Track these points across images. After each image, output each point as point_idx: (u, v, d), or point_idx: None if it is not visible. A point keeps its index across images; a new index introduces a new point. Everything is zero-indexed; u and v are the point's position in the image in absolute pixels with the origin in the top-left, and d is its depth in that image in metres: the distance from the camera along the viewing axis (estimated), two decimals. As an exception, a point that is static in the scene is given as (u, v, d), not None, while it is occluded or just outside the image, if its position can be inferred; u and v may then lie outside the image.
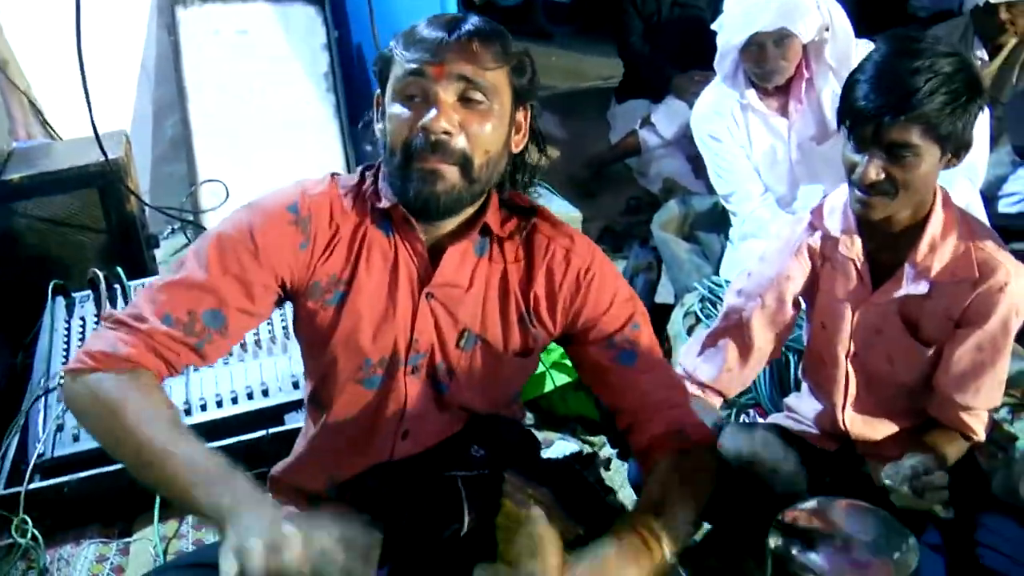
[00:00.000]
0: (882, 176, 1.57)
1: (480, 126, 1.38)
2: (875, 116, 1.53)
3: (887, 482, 1.56)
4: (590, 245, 1.55)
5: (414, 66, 1.36)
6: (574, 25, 6.84)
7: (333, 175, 1.53)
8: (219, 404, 2.29)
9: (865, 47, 2.63)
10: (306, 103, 3.87)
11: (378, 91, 1.47)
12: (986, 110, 2.14)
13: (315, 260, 1.46)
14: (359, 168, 1.54)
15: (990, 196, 3.13)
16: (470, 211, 1.48)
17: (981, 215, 2.51)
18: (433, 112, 1.35)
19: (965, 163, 2.49)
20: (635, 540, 1.30)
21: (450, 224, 1.47)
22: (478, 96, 1.37)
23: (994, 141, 2.86)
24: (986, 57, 3.51)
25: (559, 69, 5.92)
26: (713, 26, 2.84)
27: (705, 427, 1.56)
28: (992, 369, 1.70)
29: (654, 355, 1.55)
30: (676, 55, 4.11)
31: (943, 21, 3.87)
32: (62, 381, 1.53)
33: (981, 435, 1.76)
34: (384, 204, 1.46)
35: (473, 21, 1.40)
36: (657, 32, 4.23)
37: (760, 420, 2.26)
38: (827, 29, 2.71)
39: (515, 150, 1.49)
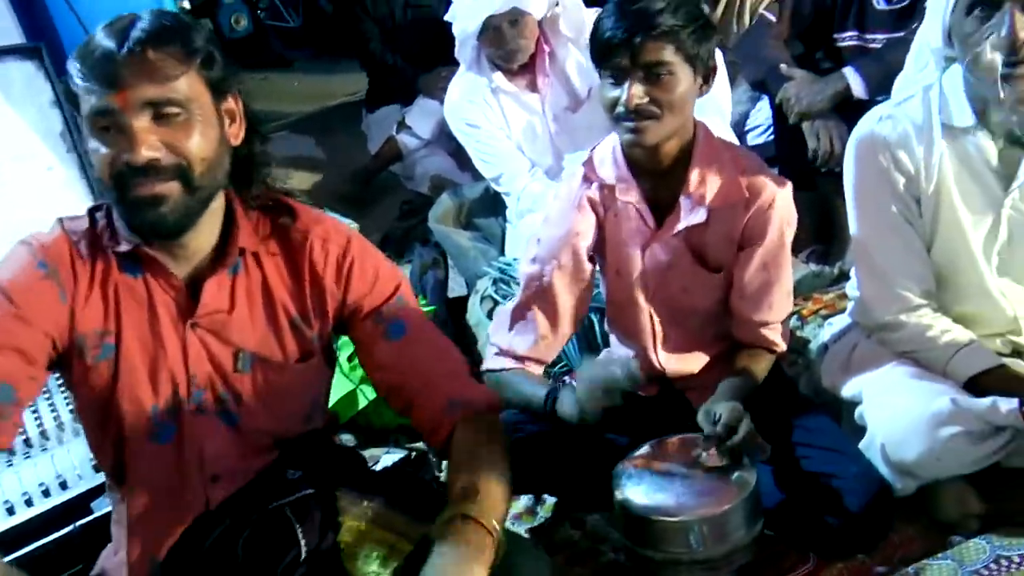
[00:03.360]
0: (645, 99, 1.63)
1: (186, 139, 1.29)
2: (628, 40, 1.60)
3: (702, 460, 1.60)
4: (345, 228, 1.52)
5: (95, 101, 1.26)
6: (311, 49, 6.75)
7: (61, 220, 1.41)
8: (10, 512, 2.04)
9: (595, 14, 2.72)
10: (47, 170, 3.53)
11: None
12: (720, 52, 2.28)
13: (76, 312, 1.36)
14: (87, 209, 1.43)
15: (739, 132, 3.34)
16: (214, 231, 1.40)
17: (739, 147, 2.65)
18: (129, 144, 1.25)
19: (713, 102, 2.67)
20: (465, 532, 1.27)
21: (200, 253, 1.40)
22: (174, 110, 1.28)
23: (732, 82, 3.05)
24: (707, 9, 3.72)
25: (304, 93, 5.83)
26: (447, 17, 2.87)
27: (487, 391, 1.57)
28: (779, 282, 1.81)
29: (424, 327, 1.54)
30: (418, 55, 4.11)
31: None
32: None
33: (782, 345, 1.86)
34: (125, 247, 1.37)
35: (142, 26, 1.28)
36: (394, 36, 4.22)
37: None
38: (557, 3, 2.80)
39: (235, 143, 1.39)
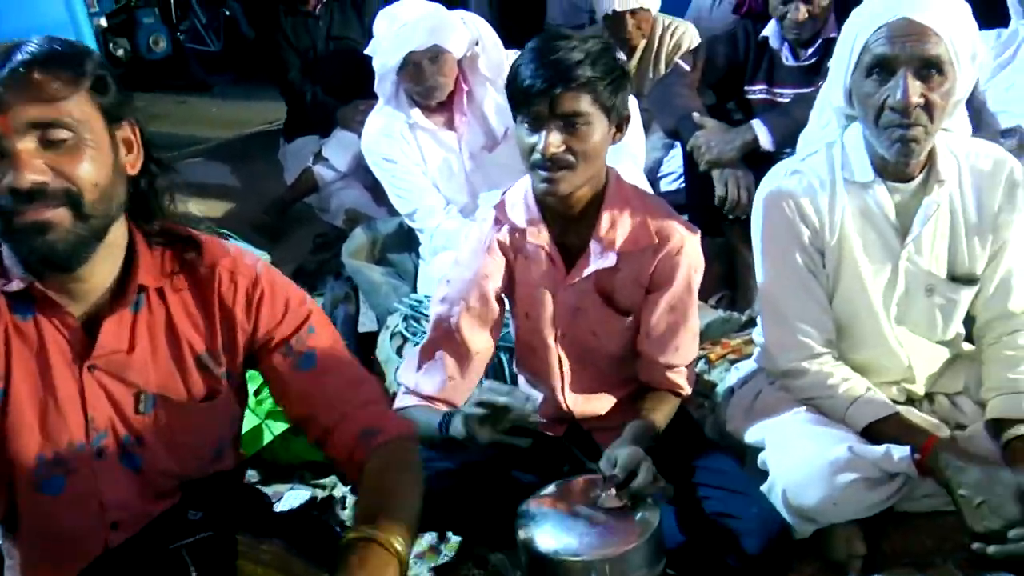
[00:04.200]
0: (562, 148, 1.65)
1: (76, 163, 1.23)
2: (547, 90, 1.62)
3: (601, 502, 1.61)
4: (253, 259, 1.48)
5: None
6: (231, 74, 6.68)
7: None
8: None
9: (514, 56, 2.76)
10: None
11: None
12: (635, 100, 2.32)
13: None
14: None
15: (652, 179, 3.41)
16: (115, 267, 1.34)
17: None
18: (13, 168, 1.19)
19: (628, 149, 2.72)
20: (368, 555, 1.24)
21: (99, 290, 1.34)
22: (62, 134, 1.22)
23: (647, 129, 3.12)
24: (624, 58, 3.80)
25: (222, 119, 5.76)
26: (367, 51, 2.87)
27: (402, 419, 1.55)
28: (685, 326, 1.84)
29: (337, 356, 1.50)
30: (338, 87, 4.10)
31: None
32: None
33: (688, 389, 1.90)
34: (16, 286, 1.30)
35: (29, 48, 1.22)
36: (315, 67, 4.21)
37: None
38: (477, 43, 2.83)
39: (132, 172, 1.34)
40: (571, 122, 1.64)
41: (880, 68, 1.67)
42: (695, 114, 2.87)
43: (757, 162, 2.61)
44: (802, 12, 2.78)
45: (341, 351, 1.52)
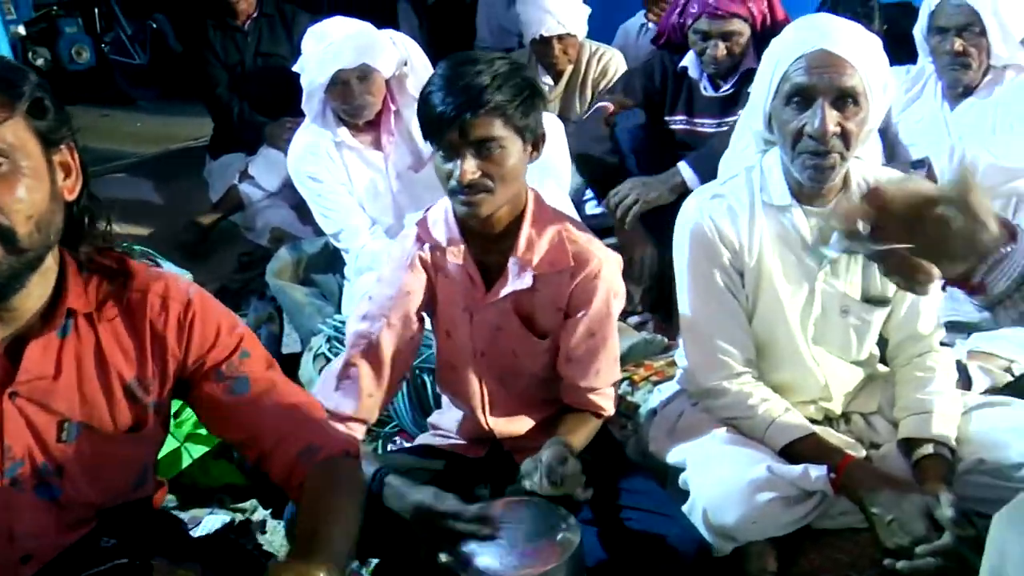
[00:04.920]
0: (478, 174, 1.65)
1: (9, 193, 1.17)
2: (457, 117, 1.61)
3: (525, 483, 1.63)
4: (185, 284, 1.44)
5: None
6: (157, 88, 6.56)
7: None
8: None
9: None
10: None
11: None
12: (559, 122, 2.34)
13: None
14: None
15: (577, 201, 3.43)
16: (45, 292, 1.30)
17: (573, 216, 2.71)
18: None
19: (553, 170, 2.74)
20: None
21: (26, 315, 1.29)
22: None
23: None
24: (552, 82, 3.85)
25: (147, 134, 5.66)
26: (295, 68, 2.85)
27: (345, 436, 1.53)
28: (605, 350, 1.85)
29: (271, 378, 1.47)
30: (265, 104, 4.06)
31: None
32: None
33: (610, 410, 1.90)
34: None
35: None
36: (242, 83, 4.16)
37: (406, 444, 2.26)
38: (406, 63, 2.83)
39: (70, 198, 1.29)
40: (485, 147, 1.64)
41: (799, 97, 1.73)
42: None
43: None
44: (720, 50, 2.85)
45: (276, 374, 1.49)
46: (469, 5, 5.76)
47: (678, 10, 2.97)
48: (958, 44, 2.59)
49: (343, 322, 2.66)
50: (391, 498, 1.65)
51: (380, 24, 2.91)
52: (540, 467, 1.62)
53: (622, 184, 2.88)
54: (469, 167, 1.64)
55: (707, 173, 2.73)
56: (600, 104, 3.10)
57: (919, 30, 2.76)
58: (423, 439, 2.04)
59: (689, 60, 2.96)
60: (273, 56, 4.17)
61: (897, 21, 3.30)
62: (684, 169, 2.82)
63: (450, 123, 1.62)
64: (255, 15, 4.20)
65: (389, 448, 2.38)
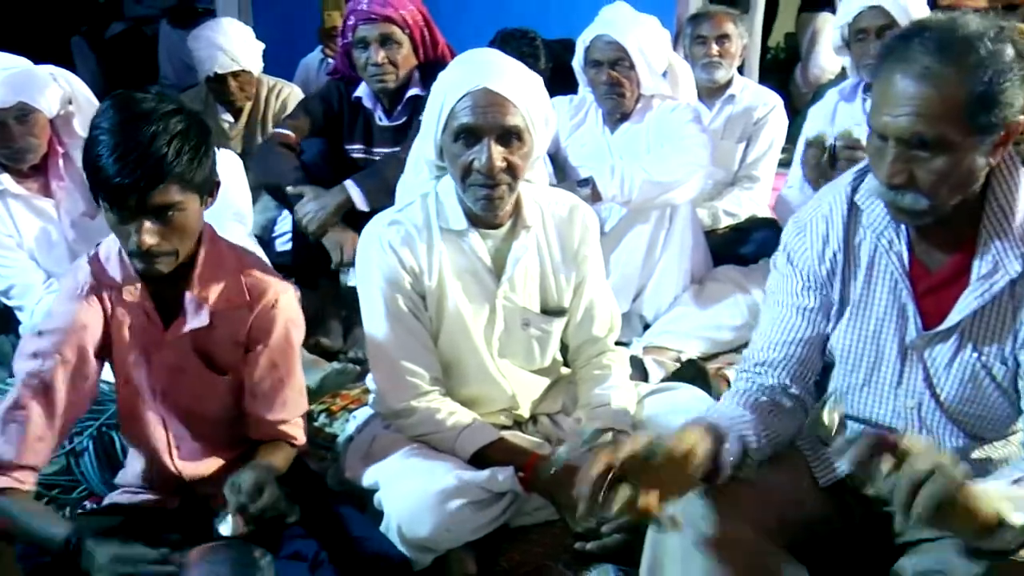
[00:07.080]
0: (157, 240, 1.59)
1: None
2: (135, 185, 1.54)
3: (221, 529, 1.61)
4: None
5: None
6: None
7: None
8: None
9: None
10: None
11: None
12: (239, 161, 2.28)
13: None
14: None
15: (267, 239, 3.41)
16: None
17: (260, 254, 2.67)
18: None
19: (235, 209, 2.70)
20: None
21: None
22: None
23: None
24: (232, 119, 3.80)
25: None
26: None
27: None
28: (290, 380, 1.85)
29: None
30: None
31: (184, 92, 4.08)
32: None
33: (302, 439, 1.90)
34: None
35: None
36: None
37: (95, 506, 2.10)
38: (71, 101, 2.67)
39: None
40: (164, 214, 1.59)
41: (467, 134, 1.84)
42: (289, 188, 2.90)
43: (357, 219, 2.69)
44: (380, 55, 2.82)
45: None
46: (150, 39, 5.56)
47: (344, 36, 3.00)
48: (613, 75, 2.91)
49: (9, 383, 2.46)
50: (87, 559, 1.57)
51: (39, 60, 2.72)
52: (239, 499, 1.59)
53: (297, 208, 2.86)
54: (149, 236, 1.58)
55: (373, 195, 2.78)
56: (278, 131, 3.07)
57: (577, 63, 3.05)
58: (112, 498, 1.93)
59: (363, 90, 3.00)
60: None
61: (560, 55, 3.58)
62: (350, 187, 2.81)
63: (128, 193, 1.55)
64: None
65: (78, 512, 2.22)
